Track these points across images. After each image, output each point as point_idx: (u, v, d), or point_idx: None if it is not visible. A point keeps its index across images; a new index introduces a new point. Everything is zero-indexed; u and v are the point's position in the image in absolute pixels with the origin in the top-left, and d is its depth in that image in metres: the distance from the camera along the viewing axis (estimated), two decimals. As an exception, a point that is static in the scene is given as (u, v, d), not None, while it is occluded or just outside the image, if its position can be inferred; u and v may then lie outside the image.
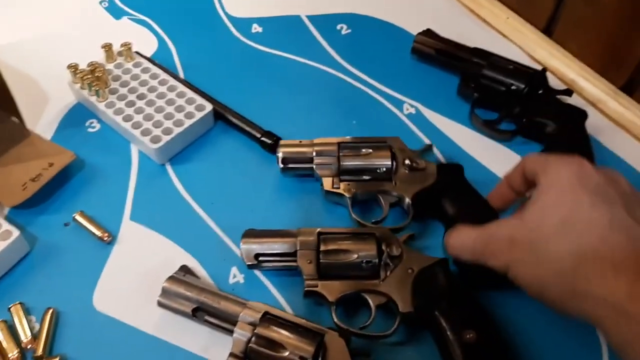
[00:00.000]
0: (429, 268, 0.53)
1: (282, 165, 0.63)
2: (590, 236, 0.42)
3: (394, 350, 0.53)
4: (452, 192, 0.60)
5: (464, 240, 0.51)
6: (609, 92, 0.73)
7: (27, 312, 0.54)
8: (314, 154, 0.62)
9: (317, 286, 0.53)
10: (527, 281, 0.46)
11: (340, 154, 0.61)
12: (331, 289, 0.53)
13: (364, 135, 0.64)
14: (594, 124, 0.70)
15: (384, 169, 0.61)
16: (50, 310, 0.54)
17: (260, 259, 0.55)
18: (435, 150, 0.67)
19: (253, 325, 0.50)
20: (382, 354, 0.52)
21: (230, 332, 0.50)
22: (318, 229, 0.55)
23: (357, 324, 0.52)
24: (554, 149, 0.66)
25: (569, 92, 0.71)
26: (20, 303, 0.54)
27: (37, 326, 0.53)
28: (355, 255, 0.53)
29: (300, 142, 0.63)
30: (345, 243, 0.54)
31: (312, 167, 0.62)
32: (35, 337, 0.52)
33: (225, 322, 0.51)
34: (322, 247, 0.53)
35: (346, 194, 0.60)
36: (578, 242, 0.42)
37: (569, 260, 0.42)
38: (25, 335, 0.52)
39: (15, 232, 0.56)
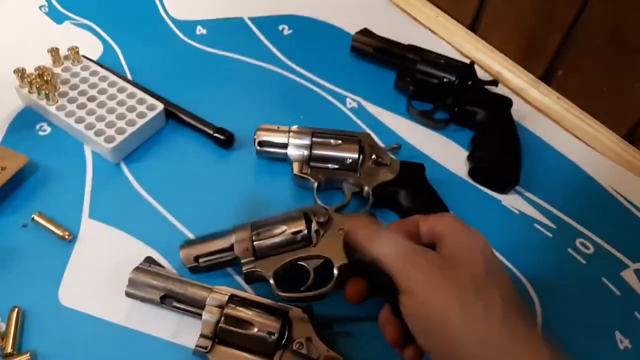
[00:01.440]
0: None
1: (258, 148, 0.67)
2: None
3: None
4: (411, 188, 0.65)
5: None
6: (529, 81, 0.81)
7: (-9, 313, 0.55)
8: (289, 139, 0.66)
9: (254, 266, 0.55)
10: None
11: (313, 142, 0.66)
12: (268, 265, 0.55)
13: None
14: (519, 111, 0.78)
15: (350, 161, 0.65)
16: (16, 309, 0.55)
17: (200, 260, 0.57)
18: (376, 139, 0.72)
19: (221, 307, 0.53)
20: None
21: (199, 315, 0.53)
22: (252, 221, 0.58)
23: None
24: (484, 134, 0.72)
25: (495, 82, 0.78)
26: (-17, 304, 0.55)
27: (3, 325, 0.54)
28: (286, 229, 0.56)
29: (278, 127, 0.67)
30: (275, 225, 0.56)
31: (286, 153, 0.66)
32: (2, 336, 0.53)
33: (193, 307, 0.54)
34: (254, 233, 0.56)
35: (313, 179, 0.64)
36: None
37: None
38: (-8, 334, 0.53)
39: (-26, 236, 0.56)
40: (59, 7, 0.85)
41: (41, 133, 0.69)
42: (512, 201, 0.69)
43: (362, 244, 0.50)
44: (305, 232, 0.56)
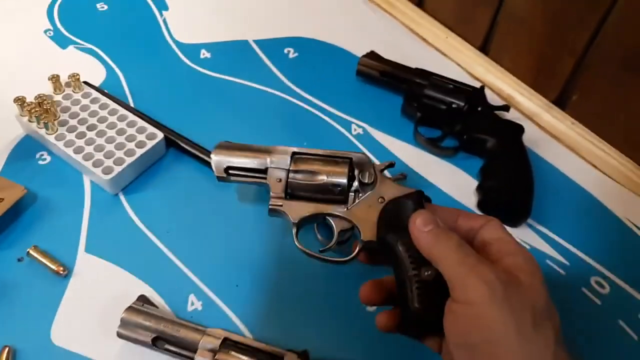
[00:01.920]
0: (401, 199, 0.51)
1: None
2: None
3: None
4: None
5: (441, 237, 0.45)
6: (542, 105, 0.78)
7: (-17, 351, 0.54)
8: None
9: (281, 205, 0.53)
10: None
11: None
12: (295, 209, 0.53)
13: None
14: (531, 136, 0.75)
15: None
16: (7, 349, 0.54)
17: (231, 172, 0.55)
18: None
19: (213, 351, 0.51)
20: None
21: (191, 359, 0.51)
22: (293, 149, 0.55)
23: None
24: (495, 163, 0.70)
25: (506, 107, 0.75)
26: (-25, 343, 0.54)
27: (-7, 366, 0.53)
28: (325, 177, 0.52)
29: None
30: (317, 164, 0.53)
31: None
32: (-9, 377, 0.52)
33: (185, 350, 0.52)
34: (293, 167, 0.53)
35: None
36: None
37: None
38: (-19, 375, 0.52)
39: (-33, 272, 0.56)
40: (64, 31, 0.84)
41: (41, 162, 0.69)
42: (523, 235, 0.66)
43: (422, 238, 0.46)
44: (345, 187, 0.52)
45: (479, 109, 0.73)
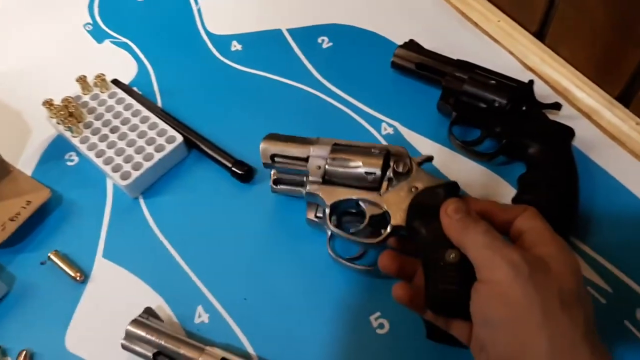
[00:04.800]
0: (433, 189, 0.53)
1: (273, 186, 0.63)
2: None
3: None
4: None
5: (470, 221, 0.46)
6: (603, 102, 0.69)
7: (4, 353, 0.57)
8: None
9: (318, 190, 0.56)
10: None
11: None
12: (330, 193, 0.56)
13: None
14: (587, 137, 0.67)
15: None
16: (24, 352, 0.56)
17: (276, 159, 0.60)
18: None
19: (208, 372, 0.50)
20: None
21: (188, 378, 0.51)
22: (335, 140, 0.59)
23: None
24: (536, 174, 0.62)
25: (557, 105, 0.67)
26: (-1, 345, 0.57)
27: (13, 366, 0.56)
28: (360, 166, 0.55)
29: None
30: (354, 155, 0.56)
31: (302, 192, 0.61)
32: (11, 377, 0.55)
33: (183, 368, 0.52)
34: (332, 154, 0.57)
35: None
36: None
37: None
38: (0, 376, 0.55)
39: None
40: (102, 25, 0.84)
41: (69, 163, 0.70)
42: (561, 255, 0.59)
43: (452, 224, 0.47)
44: (379, 175, 0.55)
45: (524, 107, 0.65)
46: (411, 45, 0.74)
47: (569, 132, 0.64)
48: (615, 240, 0.60)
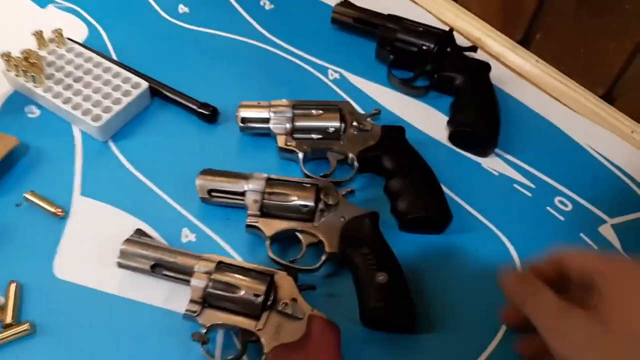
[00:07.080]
0: (359, 218, 0.60)
1: (241, 125, 0.68)
2: None
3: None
4: (393, 151, 0.67)
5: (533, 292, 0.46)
6: (509, 46, 0.83)
7: (-9, 287, 0.57)
8: (271, 114, 0.67)
9: (257, 222, 0.60)
10: None
11: (294, 114, 0.67)
12: (269, 225, 0.60)
13: (295, 101, 0.70)
14: (499, 76, 0.80)
15: (333, 129, 0.67)
16: (14, 284, 0.57)
17: (213, 194, 0.62)
18: (356, 107, 0.73)
19: (209, 274, 0.55)
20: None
21: (188, 282, 0.55)
22: (267, 175, 0.62)
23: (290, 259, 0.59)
24: (463, 98, 0.74)
25: (474, 48, 0.79)
26: (-18, 280, 0.57)
27: (2, 299, 0.56)
28: (295, 199, 0.60)
29: (259, 103, 0.69)
30: (289, 189, 0.60)
31: (269, 127, 0.67)
32: (1, 308, 0.55)
33: (182, 274, 0.56)
34: (268, 190, 0.60)
35: (298, 151, 0.66)
36: None
37: None
38: (-9, 307, 0.55)
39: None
40: (41, -10, 0.85)
41: (30, 116, 0.71)
42: (491, 163, 0.71)
43: (516, 298, 0.48)
44: (312, 206, 0.59)
45: (448, 50, 0.77)
46: (346, 3, 0.83)
47: (486, 67, 0.77)
48: (531, 148, 0.73)
